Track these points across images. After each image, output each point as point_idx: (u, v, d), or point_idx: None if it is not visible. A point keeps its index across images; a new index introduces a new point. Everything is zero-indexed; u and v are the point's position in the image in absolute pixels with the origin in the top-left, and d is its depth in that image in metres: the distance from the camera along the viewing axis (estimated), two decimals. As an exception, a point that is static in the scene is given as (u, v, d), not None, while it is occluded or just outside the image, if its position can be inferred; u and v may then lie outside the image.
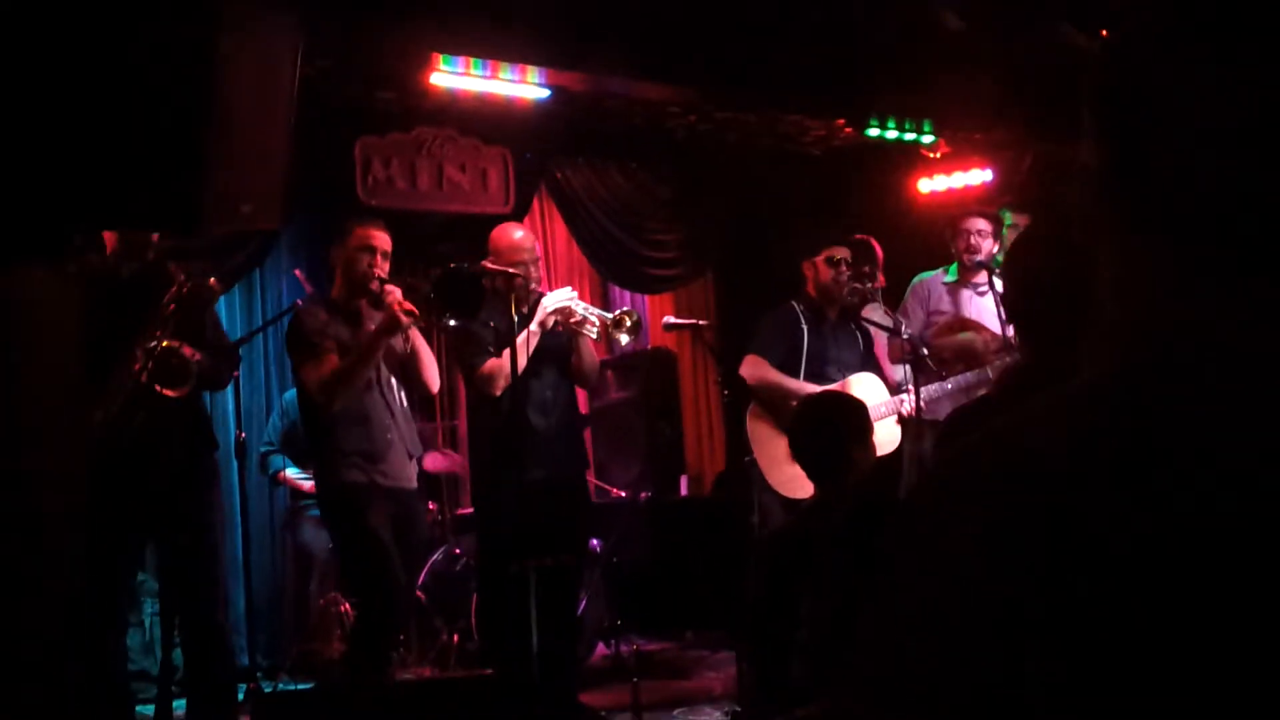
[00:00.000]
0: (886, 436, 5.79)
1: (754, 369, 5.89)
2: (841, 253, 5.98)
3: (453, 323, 5.42)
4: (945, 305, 6.29)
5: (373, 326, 5.19)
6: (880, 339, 6.26)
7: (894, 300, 6.43)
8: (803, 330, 5.86)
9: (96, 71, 2.41)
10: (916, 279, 6.47)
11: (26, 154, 2.42)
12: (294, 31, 2.75)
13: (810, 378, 5.79)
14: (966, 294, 6.33)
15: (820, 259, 5.99)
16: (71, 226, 2.70)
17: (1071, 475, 0.72)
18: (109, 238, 4.84)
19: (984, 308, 6.23)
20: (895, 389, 6.03)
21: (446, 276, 5.65)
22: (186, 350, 4.71)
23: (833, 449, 3.68)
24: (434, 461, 7.16)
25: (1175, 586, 0.69)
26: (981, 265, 6.21)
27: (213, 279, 4.95)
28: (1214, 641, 0.68)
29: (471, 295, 5.46)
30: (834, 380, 5.80)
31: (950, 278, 6.37)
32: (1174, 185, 0.79)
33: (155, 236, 4.83)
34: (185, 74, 2.45)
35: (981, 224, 6.31)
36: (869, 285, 5.94)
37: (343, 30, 5.93)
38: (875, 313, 6.30)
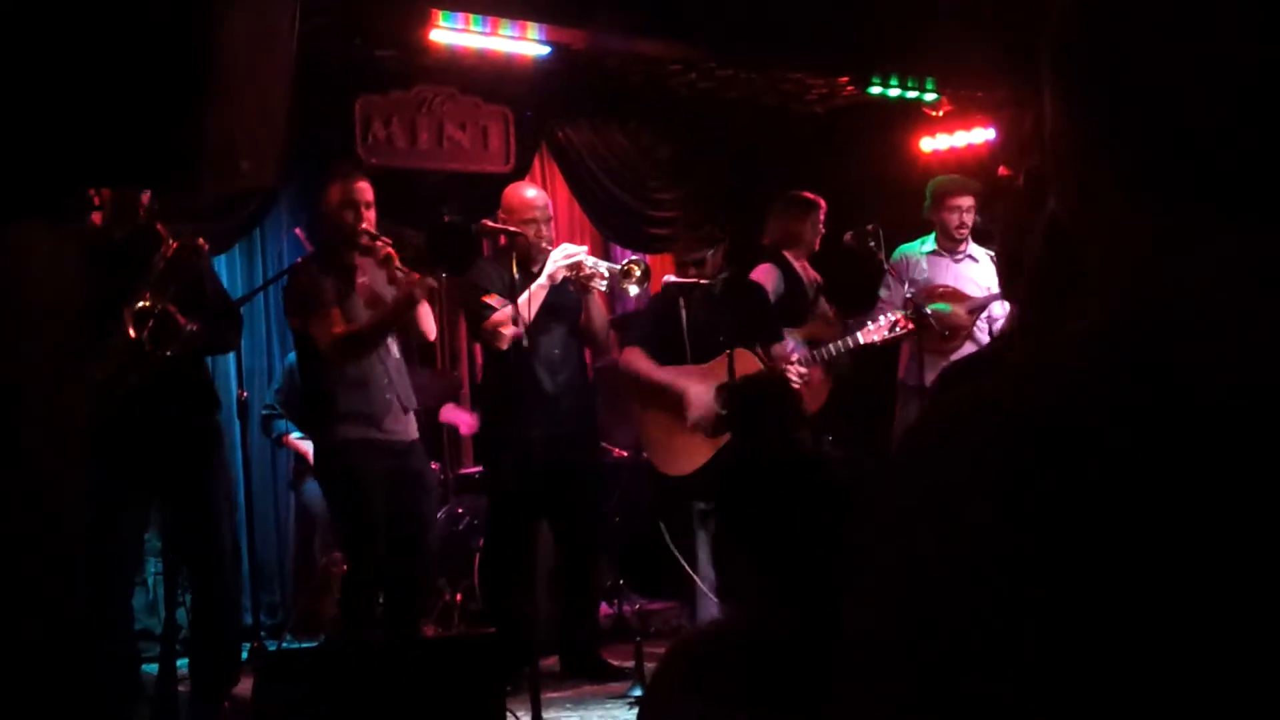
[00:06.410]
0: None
1: (627, 358, 5.99)
2: (691, 254, 6.04)
3: (445, 275, 5.42)
4: (920, 275, 6.39)
5: (365, 278, 5.19)
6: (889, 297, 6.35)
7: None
8: (680, 311, 5.83)
9: (92, 28, 2.38)
10: (896, 253, 6.58)
11: (23, 112, 2.40)
12: (292, -13, 2.72)
13: (697, 355, 5.79)
14: (945, 263, 6.50)
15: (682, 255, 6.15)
16: (70, 185, 2.68)
17: (1069, 420, 0.71)
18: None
19: (961, 274, 6.45)
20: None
21: (440, 230, 5.65)
22: (180, 319, 4.70)
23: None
24: (454, 417, 7.19)
25: (1178, 529, 0.68)
26: (963, 239, 6.49)
27: (200, 239, 4.93)
28: (1220, 588, 0.67)
29: (464, 250, 5.47)
30: (714, 357, 5.77)
31: (930, 248, 6.52)
32: (1162, 138, 0.77)
33: (146, 197, 4.81)
34: (183, 31, 2.42)
35: (969, 200, 6.52)
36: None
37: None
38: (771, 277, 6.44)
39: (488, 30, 6.57)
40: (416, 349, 5.65)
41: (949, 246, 6.53)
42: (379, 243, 5.13)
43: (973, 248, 6.55)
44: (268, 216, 7.20)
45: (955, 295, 6.35)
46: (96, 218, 4.81)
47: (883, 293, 6.42)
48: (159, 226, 4.81)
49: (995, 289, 6.33)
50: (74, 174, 2.54)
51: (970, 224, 6.49)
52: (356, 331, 5.12)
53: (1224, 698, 0.67)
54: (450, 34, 6.53)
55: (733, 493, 2.16)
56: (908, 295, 5.97)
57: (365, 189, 5.23)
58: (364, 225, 5.16)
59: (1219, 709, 0.67)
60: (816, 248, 6.72)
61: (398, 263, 5.09)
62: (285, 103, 2.71)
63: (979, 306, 6.30)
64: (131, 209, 4.76)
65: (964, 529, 0.72)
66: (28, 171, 2.45)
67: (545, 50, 6.91)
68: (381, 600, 5.37)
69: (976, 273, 6.46)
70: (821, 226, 6.66)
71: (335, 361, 5.13)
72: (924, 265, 6.47)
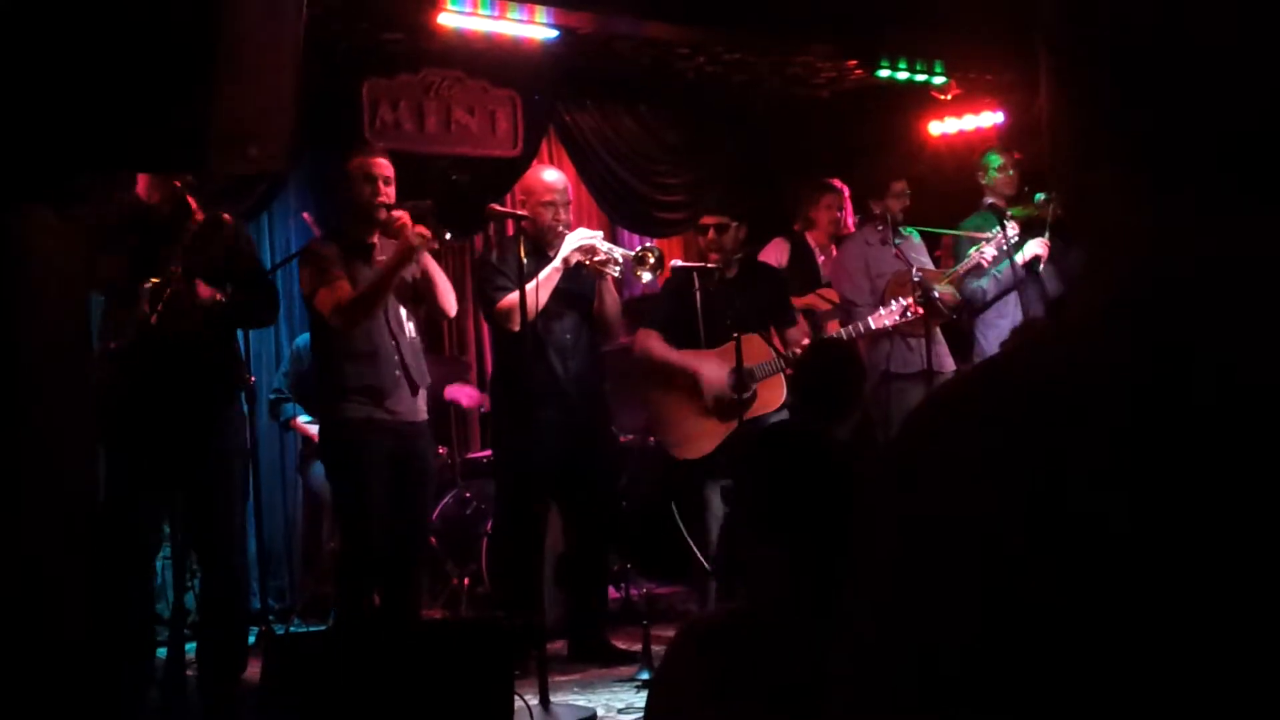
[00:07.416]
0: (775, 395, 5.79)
1: (641, 341, 6.00)
2: (709, 221, 5.98)
3: (449, 236, 5.41)
4: (881, 264, 6.37)
5: (384, 258, 5.18)
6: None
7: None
8: (694, 293, 5.81)
9: (101, 11, 2.38)
10: (842, 246, 6.65)
11: (28, 96, 2.40)
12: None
13: (711, 338, 5.79)
14: (880, 251, 6.47)
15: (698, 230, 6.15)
16: (77, 169, 2.67)
17: (1069, 408, 0.70)
18: (141, 178, 4.83)
19: (904, 255, 6.43)
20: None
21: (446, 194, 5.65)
22: (202, 290, 4.69)
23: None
24: (456, 393, 7.20)
25: (1186, 508, 0.67)
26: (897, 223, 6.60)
27: (226, 214, 4.94)
28: (1225, 584, 0.66)
29: (471, 213, 5.48)
30: (729, 339, 5.76)
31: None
32: (1164, 122, 0.76)
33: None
34: (192, 14, 2.42)
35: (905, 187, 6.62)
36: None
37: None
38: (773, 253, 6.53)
39: (496, 14, 6.56)
40: (426, 333, 5.63)
41: (887, 234, 6.52)
42: (393, 214, 5.11)
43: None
44: (275, 201, 7.20)
45: (931, 274, 6.39)
46: (141, 191, 4.82)
47: (852, 295, 6.40)
48: (190, 199, 4.79)
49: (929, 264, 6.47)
50: (80, 158, 2.53)
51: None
52: (359, 293, 5.11)
53: (1225, 698, 0.66)
54: (458, 17, 6.53)
55: (751, 473, 2.15)
56: (916, 279, 5.96)
57: (384, 165, 5.23)
58: (380, 200, 5.15)
59: (1220, 708, 0.66)
60: (839, 230, 6.73)
61: (417, 228, 5.07)
62: (293, 86, 2.71)
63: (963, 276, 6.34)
64: (167, 181, 4.76)
65: (961, 519, 0.71)
66: (34, 155, 2.45)
67: (553, 34, 6.91)
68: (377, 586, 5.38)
69: (915, 251, 6.51)
70: (839, 212, 6.67)
71: (341, 328, 5.11)
72: (873, 255, 6.46)
